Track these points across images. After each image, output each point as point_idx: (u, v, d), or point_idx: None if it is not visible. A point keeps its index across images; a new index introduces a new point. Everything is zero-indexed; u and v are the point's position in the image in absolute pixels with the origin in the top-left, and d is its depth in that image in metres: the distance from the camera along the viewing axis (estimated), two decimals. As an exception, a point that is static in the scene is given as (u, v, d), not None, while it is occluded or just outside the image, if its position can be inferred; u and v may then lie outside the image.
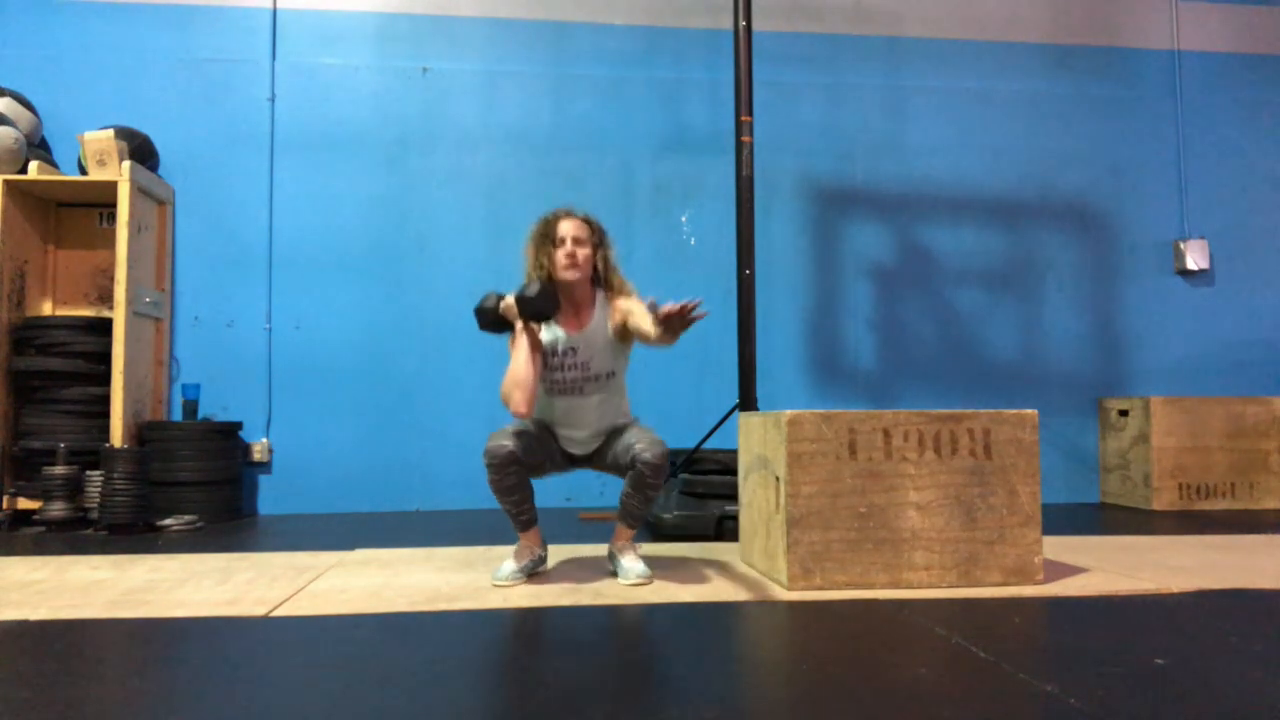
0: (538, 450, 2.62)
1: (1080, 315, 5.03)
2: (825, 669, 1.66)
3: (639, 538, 3.46)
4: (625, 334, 2.60)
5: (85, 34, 4.52)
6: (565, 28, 4.81)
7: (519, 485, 2.57)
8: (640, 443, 2.53)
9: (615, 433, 2.68)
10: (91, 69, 4.50)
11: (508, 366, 2.56)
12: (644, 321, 2.42)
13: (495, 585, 2.49)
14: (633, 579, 2.51)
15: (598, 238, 2.62)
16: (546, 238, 2.57)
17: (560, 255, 2.54)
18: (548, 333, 2.60)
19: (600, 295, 2.63)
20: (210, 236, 4.51)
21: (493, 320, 2.58)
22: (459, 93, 4.72)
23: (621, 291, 2.62)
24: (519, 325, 2.55)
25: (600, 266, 2.61)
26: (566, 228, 2.56)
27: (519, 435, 2.56)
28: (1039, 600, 2.28)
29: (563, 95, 4.77)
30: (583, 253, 2.56)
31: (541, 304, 2.46)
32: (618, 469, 2.65)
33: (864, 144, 4.96)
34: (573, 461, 2.75)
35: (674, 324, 2.25)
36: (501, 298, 2.58)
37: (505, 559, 2.63)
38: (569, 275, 2.54)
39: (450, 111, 4.70)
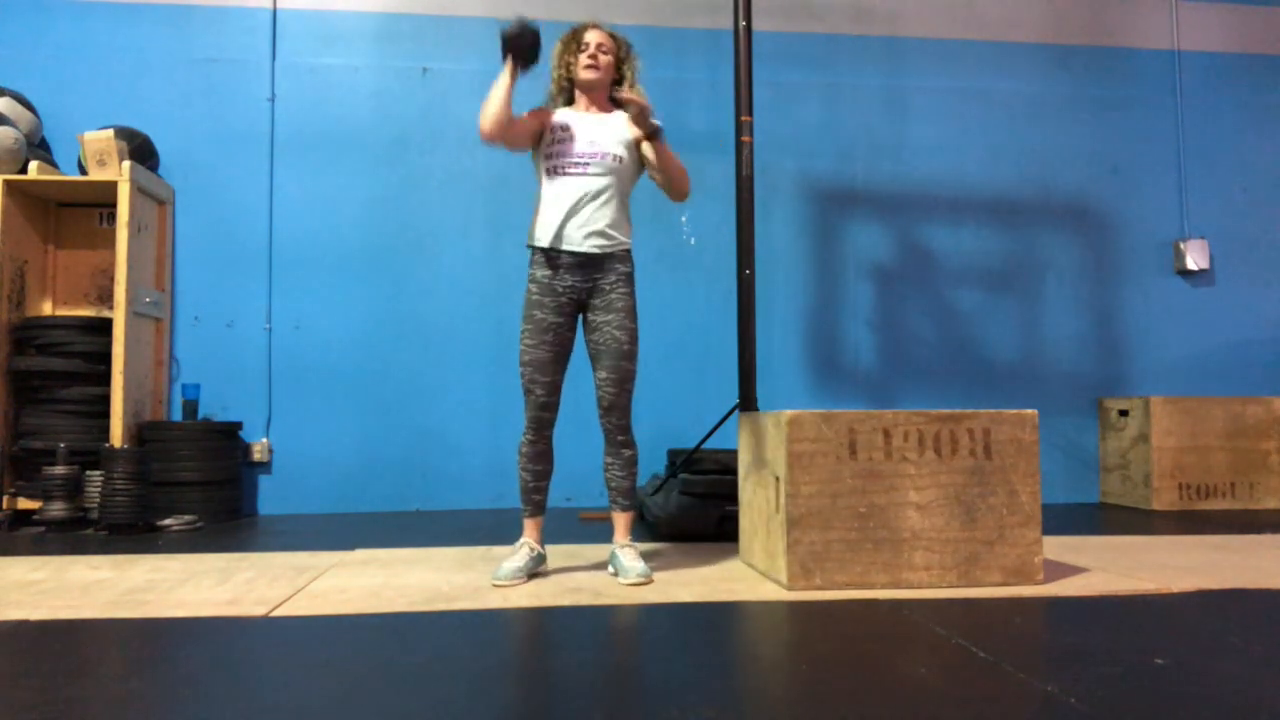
0: (550, 365, 2.62)
1: (1080, 315, 5.03)
2: (825, 669, 1.66)
3: (639, 537, 3.46)
4: (638, 150, 2.70)
5: (85, 34, 4.52)
6: (565, 28, 4.79)
7: (545, 454, 2.67)
8: (607, 370, 2.61)
9: (611, 287, 2.63)
10: (91, 69, 4.50)
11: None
12: (648, 151, 2.68)
13: (495, 585, 2.48)
14: (633, 578, 2.51)
15: (624, 51, 2.73)
16: (573, 42, 2.70)
17: (583, 57, 2.66)
18: (567, 115, 2.69)
19: (617, 113, 2.72)
20: (210, 236, 4.51)
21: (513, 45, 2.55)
22: (459, 93, 4.72)
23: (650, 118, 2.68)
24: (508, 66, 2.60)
25: (628, 75, 2.71)
26: (592, 36, 2.69)
27: (538, 365, 2.61)
28: (1039, 600, 2.28)
29: (563, 95, 4.77)
30: (605, 58, 2.67)
31: (519, 39, 2.51)
32: (596, 355, 2.64)
33: (864, 144, 4.96)
34: (576, 319, 2.68)
35: (641, 124, 2.58)
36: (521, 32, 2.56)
37: (505, 559, 2.63)
38: (588, 75, 2.66)
39: (450, 111, 4.70)
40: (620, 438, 2.66)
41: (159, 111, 4.50)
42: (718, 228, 4.74)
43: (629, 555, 2.61)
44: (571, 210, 2.59)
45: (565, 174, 2.62)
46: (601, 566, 2.78)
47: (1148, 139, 5.16)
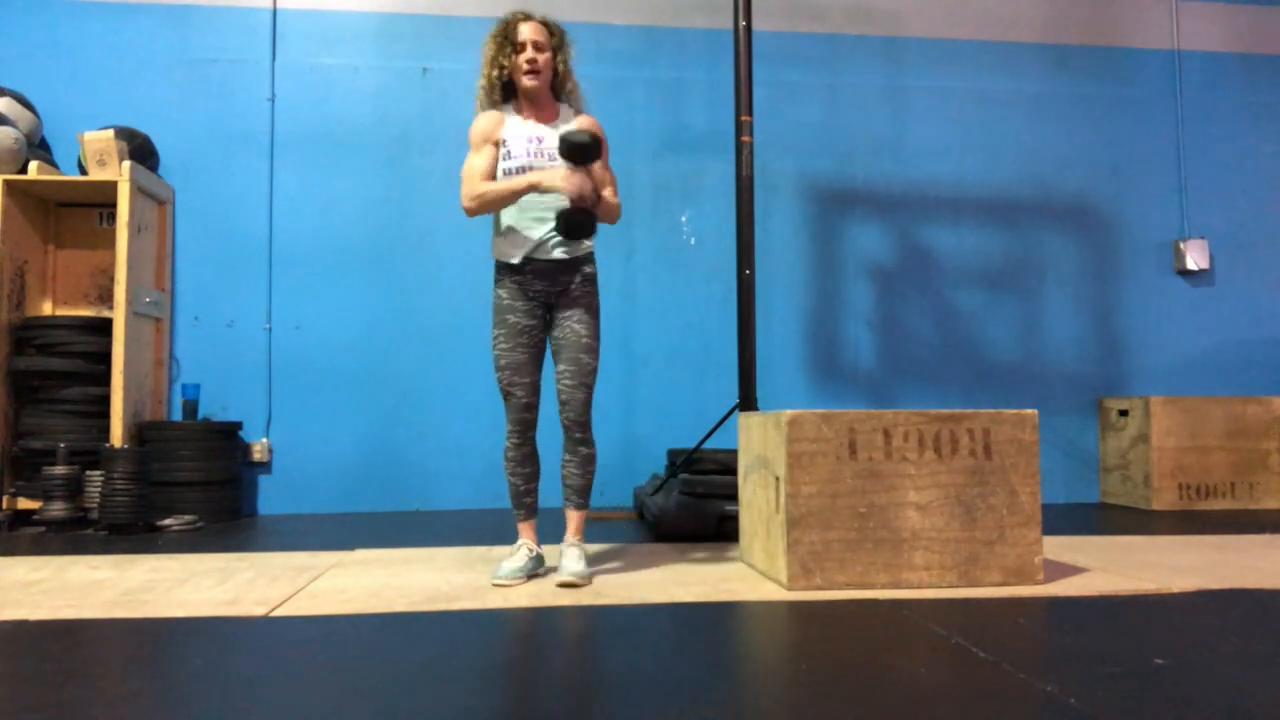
0: (528, 366, 2.64)
1: (1080, 315, 5.03)
2: (825, 669, 1.66)
3: (639, 537, 3.46)
4: None
5: (85, 34, 4.52)
6: (570, 27, 4.80)
7: (531, 457, 2.69)
8: (565, 363, 2.61)
9: (577, 287, 2.63)
10: (91, 69, 4.50)
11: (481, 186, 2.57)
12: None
13: (495, 585, 2.48)
14: (564, 576, 2.46)
15: (557, 40, 2.66)
16: (507, 39, 2.62)
17: (521, 61, 2.59)
18: (515, 127, 2.61)
19: (564, 106, 2.70)
20: (210, 236, 4.51)
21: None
22: (459, 93, 4.72)
23: (578, 104, 2.71)
24: (525, 180, 2.53)
25: (560, 69, 2.65)
26: (527, 31, 2.60)
27: (515, 381, 2.63)
28: (1039, 600, 2.28)
29: (563, 95, 4.77)
30: (543, 57, 2.60)
31: (594, 149, 2.46)
32: (558, 350, 2.65)
33: (864, 144, 4.96)
34: (546, 322, 2.68)
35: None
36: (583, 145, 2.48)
37: (504, 559, 2.62)
38: (530, 82, 2.60)
39: (450, 111, 4.70)
40: (578, 434, 2.65)
41: (159, 111, 4.50)
42: (718, 228, 4.74)
43: (571, 555, 2.56)
44: (534, 222, 2.59)
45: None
46: (603, 567, 2.78)
47: (1148, 139, 5.16)
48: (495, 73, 2.62)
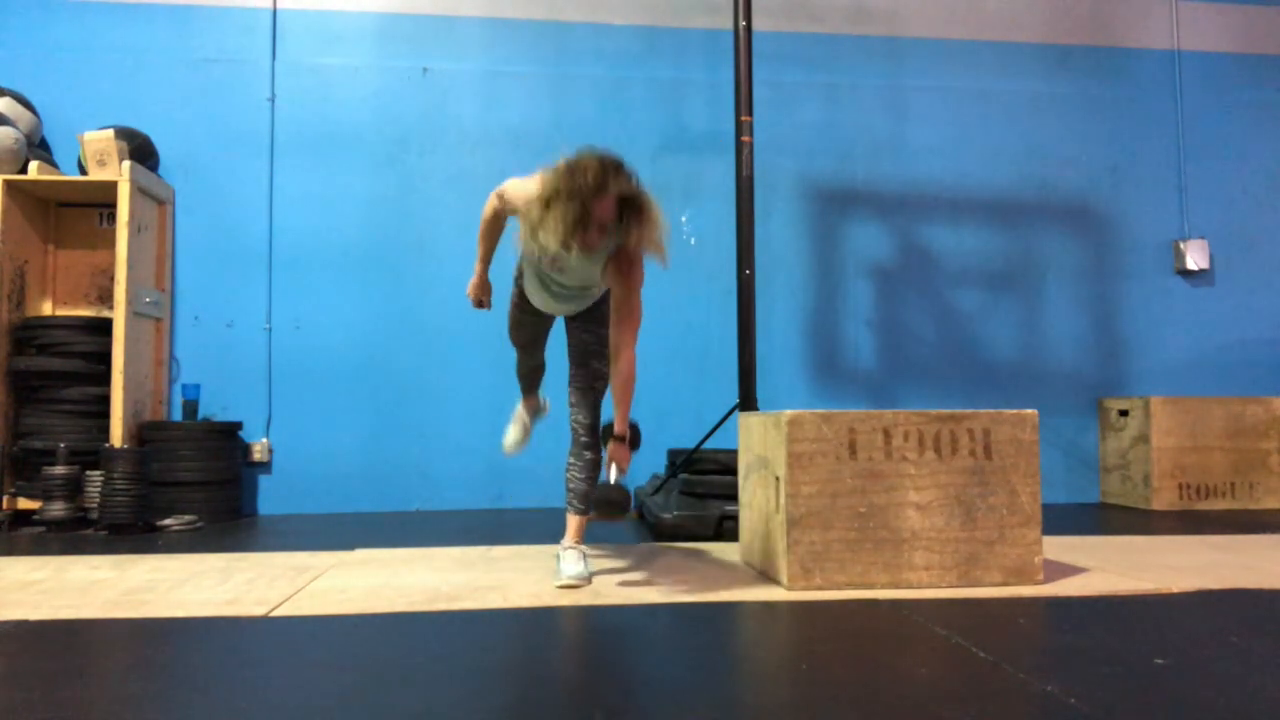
0: (533, 344, 2.88)
1: (1080, 315, 5.03)
2: (825, 669, 1.66)
3: (639, 537, 3.46)
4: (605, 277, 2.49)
5: (85, 34, 4.51)
6: (565, 28, 4.81)
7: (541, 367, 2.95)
8: (576, 365, 2.69)
9: (600, 308, 2.69)
10: (91, 69, 4.49)
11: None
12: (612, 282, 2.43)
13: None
14: (562, 580, 2.44)
15: (633, 209, 2.30)
16: (583, 212, 2.19)
17: (584, 238, 2.24)
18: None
19: (605, 255, 2.41)
20: (210, 236, 4.51)
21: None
22: (459, 93, 4.72)
23: (632, 266, 2.38)
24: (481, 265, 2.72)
25: (631, 243, 2.32)
26: (602, 212, 2.24)
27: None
28: (1039, 600, 2.27)
29: (563, 95, 4.77)
30: (603, 235, 2.30)
31: (618, 503, 2.44)
32: (571, 355, 2.71)
33: (864, 144, 4.95)
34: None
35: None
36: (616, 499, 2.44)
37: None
38: (585, 251, 2.31)
39: (450, 111, 4.70)
40: (584, 438, 2.66)
41: (159, 111, 4.50)
42: (718, 228, 4.74)
43: (570, 557, 2.54)
44: (560, 301, 2.66)
45: (548, 282, 2.59)
46: (601, 567, 2.78)
47: (1148, 139, 5.16)
48: (549, 240, 2.24)
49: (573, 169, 2.22)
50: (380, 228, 4.61)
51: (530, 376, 3.04)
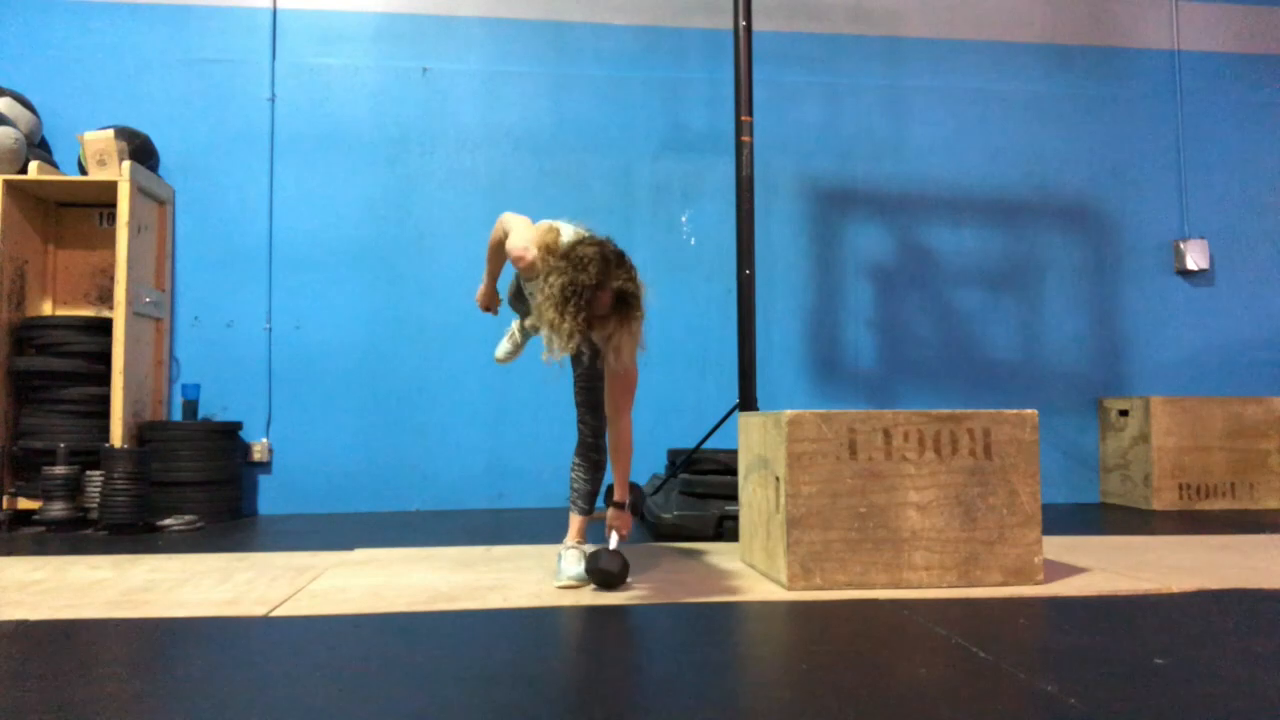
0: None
1: (1080, 315, 5.03)
2: (825, 669, 1.66)
3: (639, 538, 3.46)
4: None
5: (85, 34, 4.51)
6: (565, 28, 4.81)
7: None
8: (585, 397, 2.67)
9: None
10: (91, 69, 4.49)
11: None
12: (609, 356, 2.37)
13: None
14: (562, 580, 2.45)
15: (623, 305, 2.30)
16: (581, 307, 2.20)
17: (580, 322, 2.22)
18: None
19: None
20: (210, 236, 4.51)
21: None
22: (459, 93, 4.72)
23: (621, 347, 2.36)
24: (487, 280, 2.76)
25: (612, 343, 2.33)
26: (599, 305, 2.25)
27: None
28: (1039, 600, 2.28)
29: (563, 95, 4.77)
30: (598, 323, 2.30)
31: (614, 574, 2.42)
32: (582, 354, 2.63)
33: (864, 144, 4.95)
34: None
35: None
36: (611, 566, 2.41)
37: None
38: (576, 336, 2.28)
39: (450, 111, 4.70)
40: (590, 439, 2.69)
41: (159, 111, 4.50)
42: (718, 228, 4.74)
43: (571, 557, 2.53)
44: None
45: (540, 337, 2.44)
46: (601, 566, 2.78)
47: (1148, 139, 5.16)
48: (543, 325, 2.26)
49: (575, 262, 2.23)
50: (380, 228, 4.61)
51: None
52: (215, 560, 2.93)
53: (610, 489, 2.59)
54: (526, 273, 2.43)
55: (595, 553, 2.43)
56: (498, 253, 2.65)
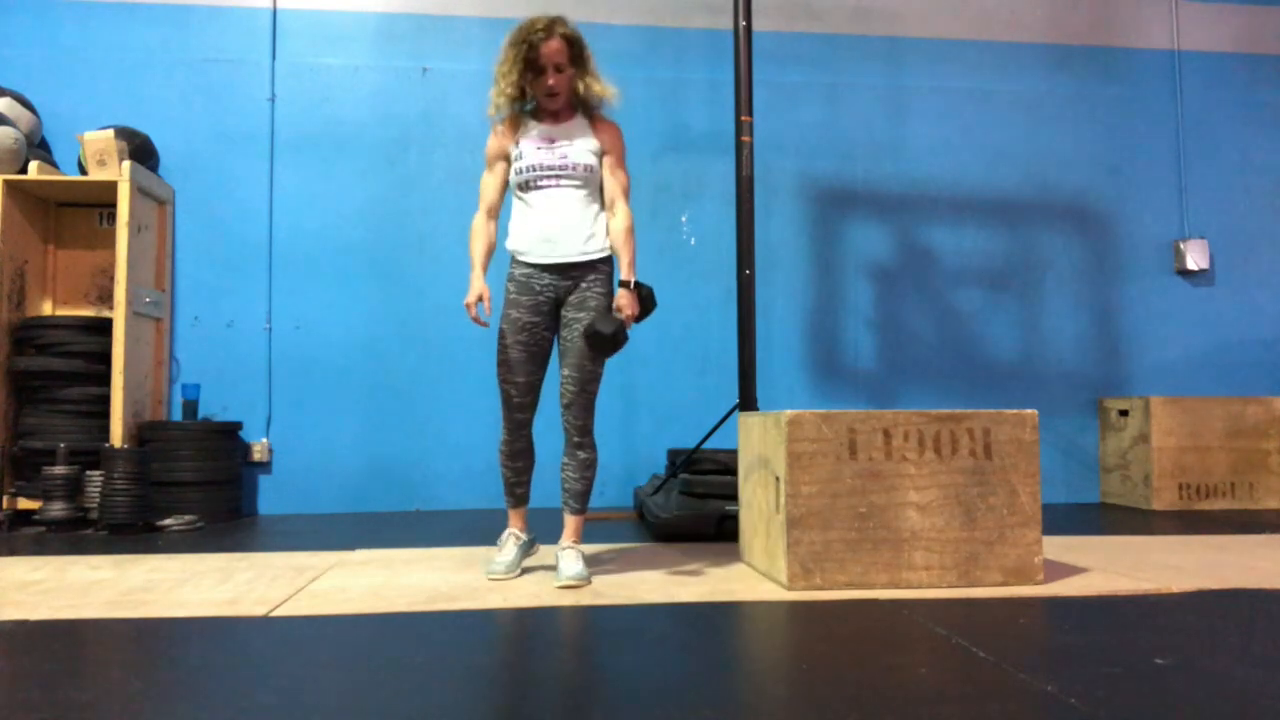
0: (524, 365, 2.63)
1: (1080, 315, 5.03)
2: (825, 669, 1.66)
3: (639, 538, 3.46)
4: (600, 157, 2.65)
5: (85, 34, 4.52)
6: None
7: (524, 452, 2.71)
8: (570, 367, 2.60)
9: (589, 285, 2.61)
10: (91, 69, 4.50)
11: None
12: (611, 189, 2.63)
13: (491, 579, 2.52)
14: (564, 580, 2.45)
15: (577, 52, 2.57)
16: (529, 61, 2.53)
17: (543, 86, 2.55)
18: (533, 130, 2.64)
19: (579, 117, 2.65)
20: (210, 236, 4.51)
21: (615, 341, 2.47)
22: (459, 93, 4.72)
23: (597, 107, 2.65)
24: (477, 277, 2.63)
25: (580, 90, 2.58)
26: (549, 54, 2.52)
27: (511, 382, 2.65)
28: (1039, 600, 2.28)
29: (563, 95, 4.77)
30: (564, 78, 2.56)
31: (617, 339, 2.42)
32: (564, 352, 2.63)
33: (864, 144, 4.96)
34: (554, 319, 2.67)
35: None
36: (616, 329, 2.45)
37: (495, 556, 2.69)
38: (551, 104, 2.59)
39: (450, 111, 4.70)
40: (578, 438, 2.63)
41: (159, 111, 4.50)
42: (718, 228, 4.74)
43: (569, 558, 2.55)
44: (551, 223, 2.59)
45: (540, 188, 2.60)
46: (600, 567, 2.78)
47: (1148, 139, 5.16)
48: (512, 91, 2.59)
49: (518, 25, 2.56)
50: (380, 228, 4.61)
51: (517, 460, 2.70)
52: (215, 560, 2.93)
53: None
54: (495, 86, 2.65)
55: (593, 319, 2.46)
56: (479, 235, 2.69)
